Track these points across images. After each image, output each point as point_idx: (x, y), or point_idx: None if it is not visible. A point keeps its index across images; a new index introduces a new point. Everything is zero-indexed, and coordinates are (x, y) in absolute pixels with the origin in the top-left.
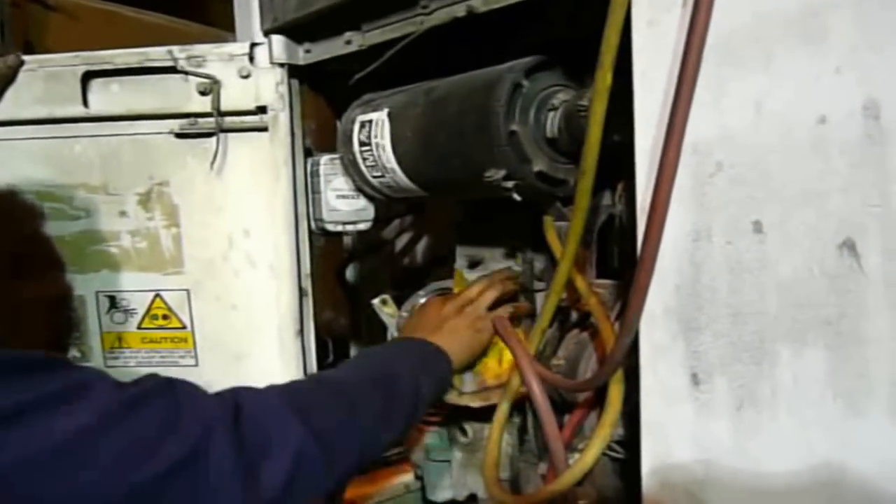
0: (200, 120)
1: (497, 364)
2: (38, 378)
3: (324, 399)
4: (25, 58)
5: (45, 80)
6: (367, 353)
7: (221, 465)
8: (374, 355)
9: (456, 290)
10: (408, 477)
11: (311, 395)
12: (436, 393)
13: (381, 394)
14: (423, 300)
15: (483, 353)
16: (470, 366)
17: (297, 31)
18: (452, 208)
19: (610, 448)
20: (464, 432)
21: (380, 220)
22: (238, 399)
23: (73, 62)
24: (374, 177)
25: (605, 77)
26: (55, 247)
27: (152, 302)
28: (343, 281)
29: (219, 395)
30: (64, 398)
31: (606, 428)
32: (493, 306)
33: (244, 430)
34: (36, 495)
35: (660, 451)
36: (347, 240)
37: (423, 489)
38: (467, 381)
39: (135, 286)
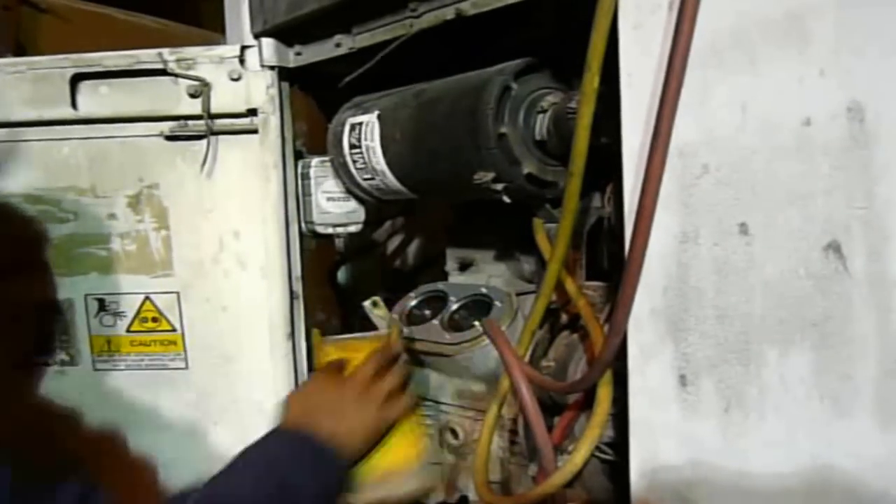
0: (190, 122)
1: (410, 446)
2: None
3: None
4: (14, 60)
5: (33, 81)
6: (263, 467)
7: None
8: (271, 470)
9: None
10: None
11: None
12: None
13: None
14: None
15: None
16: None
17: (287, 34)
18: (444, 211)
19: (600, 450)
20: (454, 435)
21: (371, 223)
22: None
23: (61, 64)
24: (364, 179)
25: (591, 80)
26: (44, 250)
27: (142, 305)
28: (334, 283)
29: None
30: None
31: (595, 429)
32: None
33: None
34: None
35: (648, 453)
36: (339, 242)
37: None
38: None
39: (124, 289)
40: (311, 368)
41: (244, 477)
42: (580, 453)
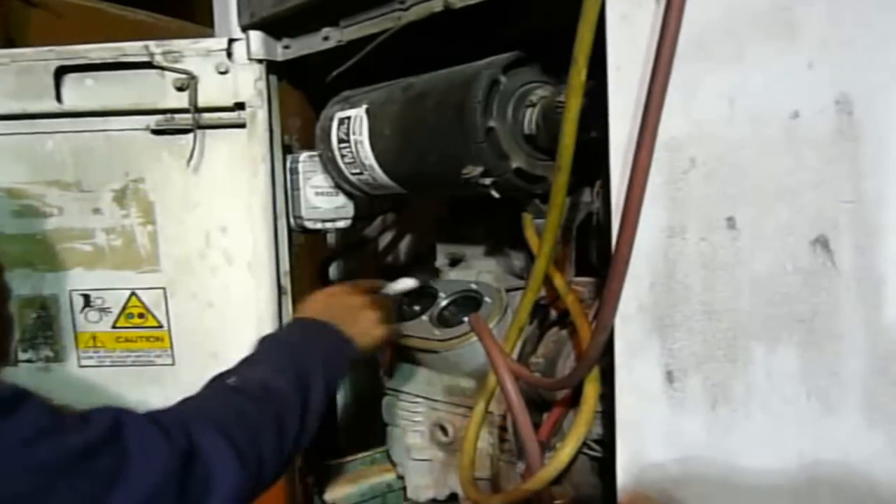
0: (177, 116)
1: None
2: None
3: (267, 432)
4: None
5: (17, 74)
6: (287, 349)
7: None
8: (289, 350)
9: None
10: (390, 476)
11: (250, 426)
12: (343, 375)
13: (302, 404)
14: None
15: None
16: None
17: (275, 27)
18: (435, 207)
19: (588, 447)
20: (444, 431)
21: (361, 218)
22: (190, 442)
23: (46, 56)
24: (353, 174)
25: (579, 73)
26: None
27: (128, 300)
28: (325, 279)
29: (168, 433)
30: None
31: (582, 426)
32: None
33: (191, 478)
34: None
35: (635, 449)
36: (330, 238)
37: (404, 488)
38: None
39: (110, 284)
40: None
41: (277, 368)
42: (566, 450)
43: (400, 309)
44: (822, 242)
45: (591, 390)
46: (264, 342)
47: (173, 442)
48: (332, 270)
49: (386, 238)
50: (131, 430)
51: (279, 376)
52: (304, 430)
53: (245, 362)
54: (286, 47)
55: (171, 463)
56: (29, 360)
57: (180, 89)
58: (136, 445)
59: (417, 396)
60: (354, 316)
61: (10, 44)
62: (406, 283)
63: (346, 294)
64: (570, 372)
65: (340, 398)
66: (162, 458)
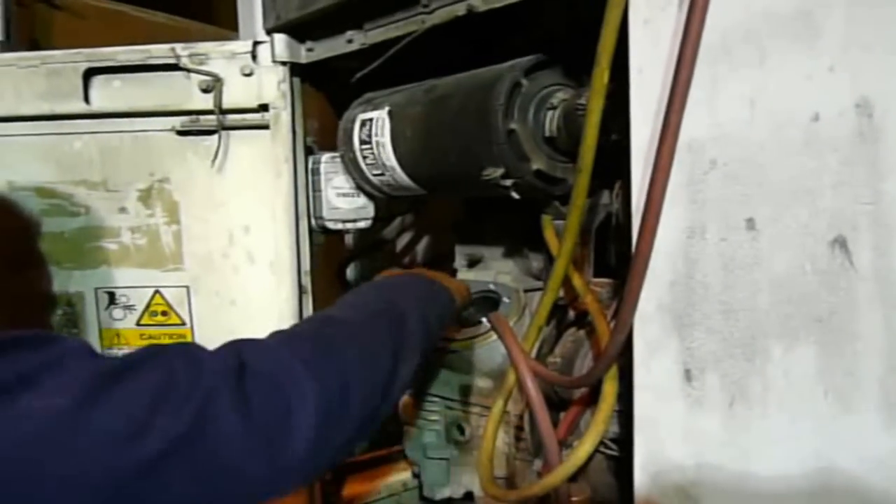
0: (202, 117)
1: None
2: (11, 358)
3: (335, 343)
4: (28, 54)
5: (46, 76)
6: (367, 289)
7: (231, 436)
8: (374, 290)
9: None
10: (405, 475)
11: (323, 340)
12: (442, 325)
13: (394, 335)
14: None
15: None
16: None
17: (299, 30)
18: (453, 208)
19: (605, 445)
20: (461, 430)
21: (380, 219)
22: (242, 355)
23: (75, 59)
24: (374, 175)
25: (602, 75)
26: (41, 244)
27: (152, 298)
28: (344, 280)
29: (219, 352)
30: (36, 379)
31: (600, 424)
32: None
33: (252, 391)
34: (13, 489)
35: (652, 447)
36: (348, 239)
37: (420, 487)
38: None
39: (134, 282)
40: None
41: (360, 303)
42: (585, 447)
43: None
44: (841, 243)
45: (609, 388)
46: (346, 295)
47: (224, 359)
48: (350, 271)
49: (404, 239)
50: (176, 349)
51: (361, 307)
52: (400, 361)
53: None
54: (310, 50)
55: (221, 376)
56: None
57: (205, 91)
58: (180, 361)
59: (434, 396)
60: (438, 273)
61: (35, 45)
62: None
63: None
64: (589, 370)
65: None
66: (210, 369)
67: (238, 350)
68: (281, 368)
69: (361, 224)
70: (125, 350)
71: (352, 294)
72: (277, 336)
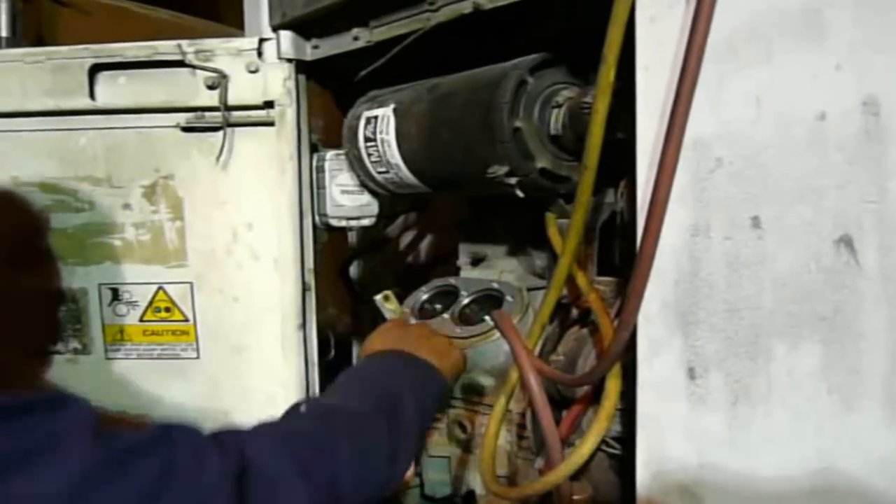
0: (207, 114)
1: None
2: (13, 426)
3: (342, 451)
4: (33, 50)
5: (52, 72)
6: (367, 376)
7: None
8: (371, 378)
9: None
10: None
11: (323, 443)
12: (437, 408)
13: (388, 424)
14: (424, 296)
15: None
16: None
17: (305, 27)
18: (456, 206)
19: (607, 444)
20: (462, 429)
21: (384, 217)
22: (245, 453)
23: (80, 55)
24: (379, 172)
25: (608, 73)
26: (51, 240)
27: (155, 294)
28: (346, 277)
29: (222, 447)
30: (34, 457)
31: (603, 421)
32: None
33: (248, 492)
34: None
35: (655, 445)
36: (351, 236)
37: (421, 485)
38: None
39: (138, 279)
40: (321, 359)
41: (360, 393)
42: (587, 444)
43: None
44: (846, 242)
45: (612, 386)
46: (343, 374)
47: (227, 457)
48: (353, 269)
49: (407, 237)
50: (182, 438)
51: (355, 400)
52: (397, 453)
53: (322, 396)
54: (315, 47)
55: (223, 477)
56: (57, 352)
57: (211, 87)
58: (185, 455)
59: None
60: (428, 342)
61: (41, 42)
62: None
63: (405, 325)
64: (592, 368)
65: None
66: (215, 472)
67: (241, 447)
68: (279, 473)
69: (365, 221)
70: (128, 346)
71: (350, 379)
72: (279, 429)
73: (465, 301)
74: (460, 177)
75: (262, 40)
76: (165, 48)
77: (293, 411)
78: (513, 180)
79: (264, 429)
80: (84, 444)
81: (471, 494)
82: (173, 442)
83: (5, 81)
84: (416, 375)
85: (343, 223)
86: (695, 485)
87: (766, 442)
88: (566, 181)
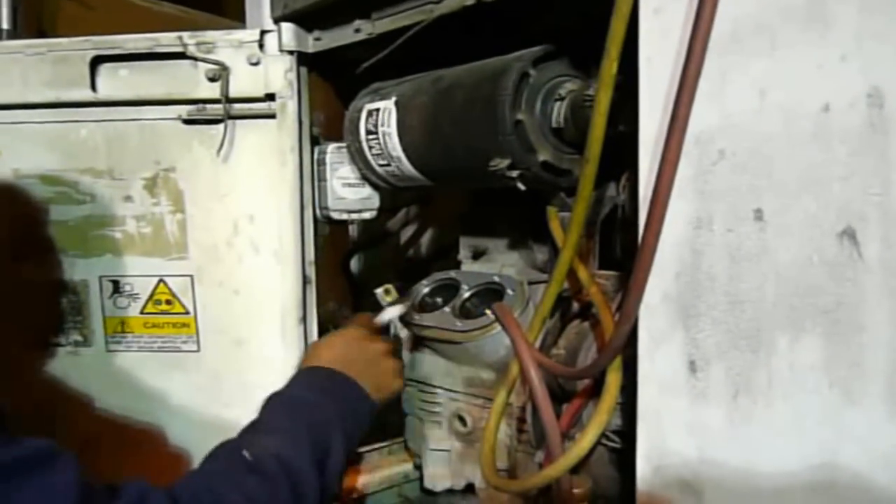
0: (208, 106)
1: None
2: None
3: (272, 482)
4: (35, 42)
5: (53, 63)
6: (298, 413)
7: None
8: (305, 413)
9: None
10: (407, 466)
11: (260, 478)
12: (362, 430)
13: (319, 476)
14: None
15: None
16: None
17: (306, 19)
18: (458, 199)
19: (607, 438)
20: (463, 422)
21: (385, 210)
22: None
23: (82, 46)
24: (380, 165)
25: (610, 66)
26: (52, 232)
27: (156, 287)
28: (347, 271)
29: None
30: None
31: (603, 414)
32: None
33: None
34: None
35: (655, 438)
36: (353, 229)
37: (421, 478)
38: None
39: (138, 271)
40: None
41: (283, 420)
42: (587, 437)
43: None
44: (850, 234)
45: (613, 379)
46: (277, 401)
47: None
48: (354, 263)
49: (409, 231)
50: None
51: (295, 448)
52: (323, 499)
53: (258, 428)
54: (317, 39)
55: None
56: (58, 344)
57: (212, 80)
58: None
59: (437, 387)
60: (375, 367)
61: (42, 35)
62: (392, 312)
63: (363, 340)
64: (593, 361)
65: None
66: None
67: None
68: None
69: (366, 215)
70: (129, 338)
71: (272, 417)
72: (221, 478)
73: (466, 295)
74: (462, 170)
75: (263, 32)
76: (167, 40)
77: (239, 457)
78: (514, 173)
79: (224, 493)
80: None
81: (471, 487)
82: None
83: (6, 73)
84: (348, 410)
85: (344, 216)
86: (695, 478)
87: (766, 436)
88: (568, 174)
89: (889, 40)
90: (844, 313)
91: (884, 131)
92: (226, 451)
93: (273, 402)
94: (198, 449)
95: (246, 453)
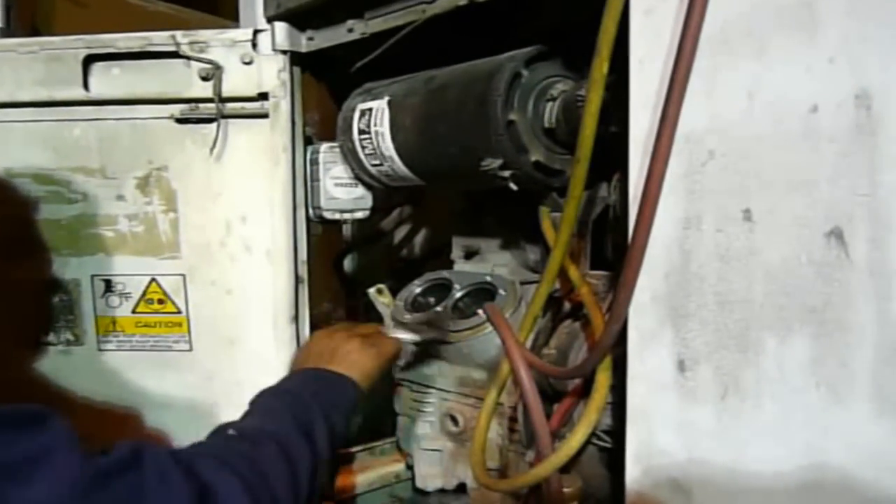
0: (201, 105)
1: None
2: (5, 437)
3: (275, 472)
4: (27, 40)
5: (46, 62)
6: (276, 399)
7: None
8: (283, 398)
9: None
10: (399, 466)
11: (259, 467)
12: (347, 424)
13: (309, 445)
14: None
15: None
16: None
17: (299, 19)
18: (451, 199)
19: (597, 437)
20: (455, 422)
21: (378, 210)
22: (202, 481)
23: (74, 45)
24: (373, 165)
25: (601, 66)
26: (42, 231)
27: (148, 286)
28: (340, 271)
29: (183, 469)
30: (24, 472)
31: (593, 413)
32: None
33: None
34: None
35: (644, 437)
36: (346, 229)
37: (413, 478)
38: None
39: (131, 270)
40: None
41: (281, 418)
42: (577, 436)
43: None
44: (837, 235)
45: (602, 379)
46: (258, 397)
47: (190, 478)
48: (347, 263)
49: (402, 231)
50: (151, 461)
51: (277, 421)
52: (316, 469)
53: (241, 418)
54: (310, 39)
55: (188, 499)
56: (50, 343)
57: (205, 79)
58: (154, 478)
59: (429, 387)
60: (345, 353)
61: (36, 33)
62: (406, 336)
63: (342, 333)
64: (582, 360)
65: None
66: (181, 493)
67: (202, 474)
68: (231, 494)
69: (359, 214)
70: (121, 338)
71: (252, 407)
72: (218, 452)
73: (458, 294)
74: (454, 169)
75: (256, 31)
76: (159, 39)
77: (224, 434)
78: (506, 173)
79: (205, 450)
80: (73, 460)
81: (462, 487)
82: (143, 465)
83: None
84: (326, 391)
85: (337, 216)
86: (684, 477)
87: (755, 435)
88: (560, 175)
89: (876, 42)
90: (832, 313)
91: (871, 132)
92: (210, 435)
93: (251, 401)
94: None
95: (230, 431)
